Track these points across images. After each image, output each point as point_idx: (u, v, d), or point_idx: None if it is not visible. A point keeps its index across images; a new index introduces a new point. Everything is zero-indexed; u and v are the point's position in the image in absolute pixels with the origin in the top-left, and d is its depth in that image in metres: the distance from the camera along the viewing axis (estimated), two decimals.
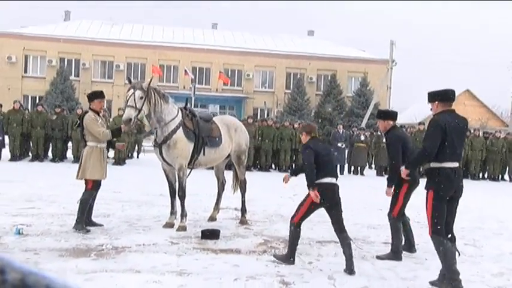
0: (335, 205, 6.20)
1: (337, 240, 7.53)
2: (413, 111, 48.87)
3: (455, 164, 5.43)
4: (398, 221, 6.87)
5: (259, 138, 18.72)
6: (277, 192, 12.61)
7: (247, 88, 43.64)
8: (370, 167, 21.48)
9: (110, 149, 8.04)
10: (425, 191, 5.46)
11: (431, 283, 5.52)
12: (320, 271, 5.93)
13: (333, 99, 41.44)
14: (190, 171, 8.08)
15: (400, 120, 46.72)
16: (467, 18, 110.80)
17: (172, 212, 7.98)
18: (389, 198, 7.05)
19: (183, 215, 7.77)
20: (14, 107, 17.23)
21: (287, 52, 44.08)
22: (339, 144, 19.07)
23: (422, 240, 7.77)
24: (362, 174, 19.56)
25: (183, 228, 7.60)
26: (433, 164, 5.42)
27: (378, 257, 6.69)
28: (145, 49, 41.92)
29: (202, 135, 8.00)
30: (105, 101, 7.97)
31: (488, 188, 16.79)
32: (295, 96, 41.49)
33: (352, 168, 19.82)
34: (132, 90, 7.34)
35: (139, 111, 7.32)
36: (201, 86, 42.00)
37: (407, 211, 7.16)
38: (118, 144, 8.15)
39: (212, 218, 8.59)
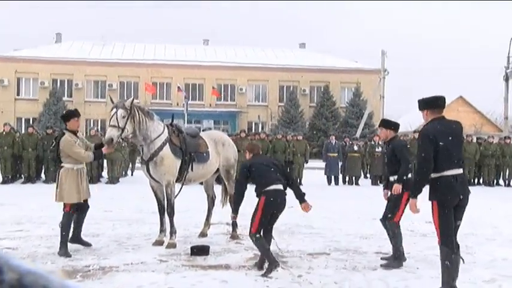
0: (280, 211, 6.54)
1: (329, 252, 7.51)
2: (408, 120, 48.87)
3: (457, 171, 5.23)
4: (397, 227, 6.91)
5: None
6: None
7: (241, 102, 43.68)
8: (365, 177, 21.40)
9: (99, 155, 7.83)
10: (430, 203, 5.25)
11: None
12: (310, 284, 5.84)
13: (327, 110, 41.50)
14: (180, 189, 8.00)
15: None
16: (458, 24, 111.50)
17: (162, 230, 7.89)
18: (382, 207, 7.16)
19: (173, 231, 7.68)
20: (4, 130, 17.16)
21: (279, 65, 44.20)
22: (331, 155, 19.06)
23: (416, 249, 7.73)
24: (357, 184, 19.49)
25: (172, 246, 7.51)
26: (433, 175, 5.25)
27: (382, 266, 6.67)
28: (137, 67, 42.01)
29: (190, 151, 7.95)
30: (91, 121, 7.88)
31: (483, 194, 16.72)
32: (289, 108, 41.56)
33: (347, 178, 19.75)
34: (114, 110, 7.29)
35: (123, 130, 7.24)
36: (194, 102, 42.06)
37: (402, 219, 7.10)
38: (104, 149, 7.43)
39: (203, 234, 8.50)
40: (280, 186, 6.45)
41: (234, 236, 8.41)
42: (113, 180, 17.80)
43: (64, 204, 7.11)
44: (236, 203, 6.58)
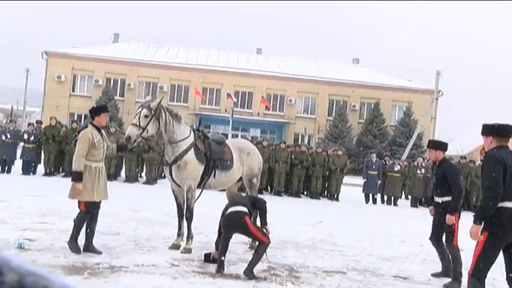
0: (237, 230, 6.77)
1: (345, 271, 7.30)
2: (460, 143, 47.65)
3: None
4: (458, 250, 7.01)
5: (292, 163, 18.50)
6: (301, 219, 12.37)
7: (289, 113, 43.56)
8: (406, 198, 20.89)
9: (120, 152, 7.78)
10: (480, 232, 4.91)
11: None
12: None
13: (376, 127, 40.90)
14: (200, 194, 7.98)
15: (447, 152, 45.82)
16: None
17: (179, 234, 7.86)
18: (417, 228, 7.19)
19: (189, 237, 7.64)
20: (50, 123, 17.64)
21: (330, 79, 43.87)
22: (371, 173, 18.74)
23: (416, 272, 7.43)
24: (395, 204, 19.05)
25: (188, 251, 7.46)
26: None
27: (444, 285, 6.82)
28: (189, 72, 42.53)
29: (214, 158, 7.90)
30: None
31: None
32: (337, 123, 41.18)
33: (386, 198, 19.33)
34: (140, 109, 7.33)
35: (144, 130, 7.25)
36: (242, 109, 42.24)
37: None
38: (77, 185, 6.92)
39: None
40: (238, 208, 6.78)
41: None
42: (150, 181, 17.99)
43: (79, 202, 6.99)
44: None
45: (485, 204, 4.93)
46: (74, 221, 7.00)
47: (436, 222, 7.30)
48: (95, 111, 7.19)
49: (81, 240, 7.03)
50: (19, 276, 0.70)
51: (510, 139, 5.14)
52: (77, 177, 6.84)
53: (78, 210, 7.09)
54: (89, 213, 7.00)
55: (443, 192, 7.15)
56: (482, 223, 4.93)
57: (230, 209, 6.80)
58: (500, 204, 4.80)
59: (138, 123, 7.22)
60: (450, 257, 7.11)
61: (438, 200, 7.24)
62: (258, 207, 7.06)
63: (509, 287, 5.02)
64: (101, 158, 7.10)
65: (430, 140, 7.91)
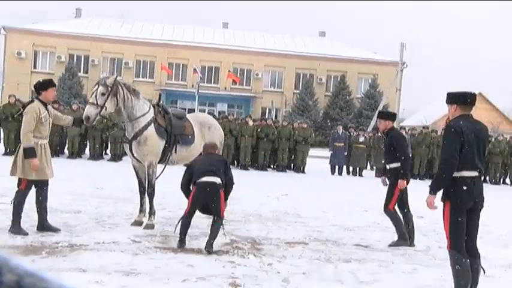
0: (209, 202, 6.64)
1: (307, 241, 7.37)
2: (424, 114, 48.33)
3: (474, 173, 4.92)
4: (395, 212, 7.44)
5: (257, 137, 18.52)
6: (266, 192, 12.42)
7: (256, 88, 43.48)
8: (371, 168, 21.15)
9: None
10: (442, 203, 4.95)
11: None
12: (277, 273, 5.71)
13: (342, 100, 41.15)
14: (162, 170, 7.93)
15: (410, 123, 46.10)
16: (479, 19, 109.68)
17: (141, 210, 7.81)
18: (380, 198, 7.75)
19: (152, 212, 7.60)
20: (9, 101, 17.23)
21: (297, 52, 43.83)
22: (338, 145, 18.92)
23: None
24: (361, 175, 19.29)
25: (150, 227, 7.43)
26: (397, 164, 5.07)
27: (390, 245, 7.25)
28: (154, 47, 41.95)
29: (175, 133, 7.83)
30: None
31: (487, 192, 16.43)
32: (304, 96, 41.29)
33: (351, 169, 19.55)
34: (96, 87, 7.18)
35: (102, 108, 7.10)
36: (209, 84, 42.01)
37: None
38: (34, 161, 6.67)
39: None
40: (210, 179, 6.59)
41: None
42: (114, 158, 17.81)
43: (19, 180, 6.73)
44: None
45: (439, 176, 5.02)
46: (13, 202, 6.70)
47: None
48: (43, 86, 6.87)
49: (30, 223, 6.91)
50: (17, 277, 0.69)
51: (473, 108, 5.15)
52: (31, 153, 6.55)
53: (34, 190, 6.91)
54: (27, 192, 6.73)
55: (392, 159, 7.49)
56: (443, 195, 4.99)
57: (205, 178, 6.58)
58: (458, 174, 4.85)
59: (95, 102, 7.07)
60: (403, 222, 7.46)
61: (388, 166, 7.60)
62: (227, 184, 6.89)
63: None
64: (46, 135, 6.83)
65: (379, 111, 8.17)
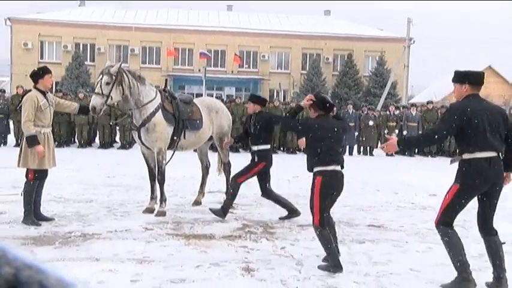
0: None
1: None
2: (433, 90, 48.01)
3: (490, 154, 4.69)
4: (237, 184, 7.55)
5: None
6: (277, 174, 12.35)
7: (263, 70, 43.27)
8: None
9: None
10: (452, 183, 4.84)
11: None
12: (290, 257, 5.71)
13: (349, 79, 40.90)
14: (171, 156, 7.91)
15: (419, 99, 45.75)
16: None
17: (153, 197, 7.82)
18: (392, 177, 7.29)
19: (163, 199, 7.60)
20: (17, 92, 17.24)
21: (303, 32, 43.47)
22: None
23: (410, 222, 7.54)
24: (371, 154, 19.21)
25: (161, 213, 7.43)
26: (464, 156, 4.76)
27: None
28: (160, 33, 41.77)
29: (183, 118, 7.80)
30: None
31: None
32: (311, 77, 41.04)
33: (362, 148, 19.48)
34: (100, 76, 7.13)
35: (108, 97, 7.06)
36: (216, 68, 41.83)
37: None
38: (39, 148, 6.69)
39: (197, 202, 8.41)
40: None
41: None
42: (124, 145, 17.83)
43: (27, 171, 6.75)
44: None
45: (418, 139, 5.30)
46: (22, 194, 6.73)
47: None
48: (39, 74, 6.83)
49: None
50: (15, 270, 0.69)
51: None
52: (33, 141, 6.52)
53: (48, 180, 6.95)
54: (36, 182, 6.76)
55: (259, 142, 7.50)
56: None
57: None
58: (471, 156, 4.70)
59: (100, 92, 7.02)
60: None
61: (255, 148, 7.54)
62: None
63: (479, 232, 4.97)
64: (48, 124, 6.81)
65: (251, 94, 8.31)
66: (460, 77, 4.90)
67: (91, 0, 47.96)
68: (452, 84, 5.08)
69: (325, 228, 5.25)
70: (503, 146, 4.82)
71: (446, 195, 4.87)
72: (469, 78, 4.86)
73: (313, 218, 5.30)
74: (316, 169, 5.34)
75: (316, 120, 5.46)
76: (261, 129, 7.47)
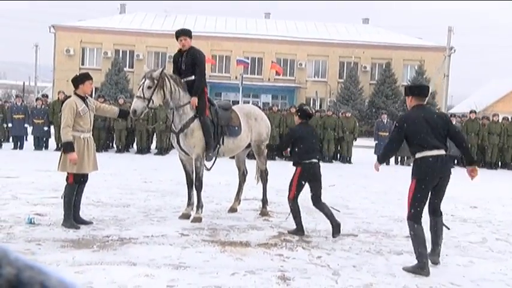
0: (315, 181, 7.16)
1: (357, 233, 7.25)
2: (473, 99, 47.09)
3: (436, 152, 5.57)
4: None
5: None
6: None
7: (300, 77, 43.22)
8: None
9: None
10: (410, 179, 5.72)
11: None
12: (327, 266, 5.63)
13: (387, 88, 40.47)
14: (214, 161, 7.92)
15: (459, 109, 44.92)
16: None
17: (189, 203, 7.84)
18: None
19: (199, 206, 7.61)
20: (58, 98, 17.64)
21: (340, 41, 43.32)
22: (382, 134, 18.62)
23: (450, 235, 7.35)
24: (409, 164, 18.90)
25: (197, 220, 7.44)
26: (416, 155, 5.66)
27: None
28: (197, 39, 41.46)
29: (221, 124, 7.81)
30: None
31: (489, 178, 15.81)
32: (348, 85, 40.80)
33: (399, 158, 19.21)
34: (142, 80, 7.21)
35: (149, 101, 7.13)
36: (253, 75, 41.98)
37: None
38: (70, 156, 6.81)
39: (233, 209, 8.39)
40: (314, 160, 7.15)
41: (263, 213, 8.28)
42: (161, 151, 18.00)
43: (68, 174, 6.86)
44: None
45: (385, 151, 6.29)
46: (63, 197, 6.84)
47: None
48: (80, 80, 6.97)
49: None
50: (16, 270, 0.69)
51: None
52: (69, 147, 6.64)
53: (89, 184, 7.06)
54: (76, 186, 6.86)
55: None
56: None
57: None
58: (421, 155, 5.59)
59: (142, 95, 7.09)
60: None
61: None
62: None
63: (429, 214, 5.88)
64: (88, 129, 6.91)
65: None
66: (406, 91, 5.99)
67: None
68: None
69: (296, 203, 7.04)
70: (446, 144, 5.71)
71: (408, 192, 5.71)
72: (412, 91, 5.90)
73: (289, 193, 7.06)
74: (298, 161, 7.00)
75: (300, 126, 7.19)
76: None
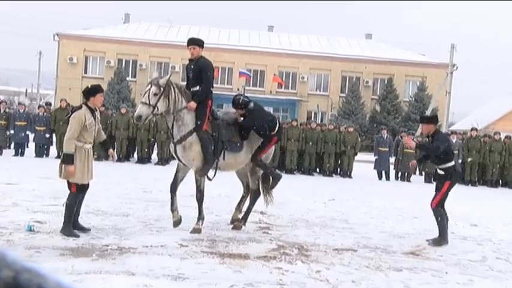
0: None
1: (356, 248, 7.23)
2: (475, 117, 47.13)
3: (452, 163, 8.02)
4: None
5: (304, 141, 18.39)
6: (313, 197, 12.30)
7: (302, 91, 43.34)
8: (420, 174, 20.74)
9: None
10: (444, 180, 7.92)
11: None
12: (326, 281, 5.61)
13: (389, 103, 40.56)
14: (214, 175, 7.85)
15: (461, 127, 44.96)
16: None
17: (173, 209, 7.68)
18: (428, 206, 8.17)
19: (200, 217, 7.57)
20: (60, 106, 17.69)
21: (343, 55, 43.47)
22: (382, 149, 18.65)
23: (450, 252, 7.34)
24: (409, 180, 18.91)
25: (197, 231, 7.40)
26: (449, 164, 7.89)
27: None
28: None
29: (222, 139, 7.74)
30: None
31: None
32: (350, 100, 40.90)
33: (400, 174, 19.20)
34: (148, 86, 7.20)
35: (154, 108, 7.13)
36: (255, 88, 42.10)
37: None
38: (110, 152, 7.63)
39: (233, 220, 8.32)
40: None
41: (236, 227, 8.07)
42: (161, 161, 18.00)
43: (69, 184, 6.89)
44: None
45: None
46: (65, 205, 6.85)
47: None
48: (91, 92, 6.99)
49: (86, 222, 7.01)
50: (14, 273, 0.69)
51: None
52: (68, 159, 6.71)
53: (90, 193, 7.10)
54: (79, 194, 6.90)
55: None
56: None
57: None
58: (452, 164, 7.92)
59: (147, 102, 7.08)
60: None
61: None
62: None
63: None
64: (90, 141, 6.94)
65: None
66: (428, 120, 8.34)
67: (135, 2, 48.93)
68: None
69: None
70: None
71: (442, 189, 7.95)
72: (436, 120, 8.46)
73: None
74: None
75: None
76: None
